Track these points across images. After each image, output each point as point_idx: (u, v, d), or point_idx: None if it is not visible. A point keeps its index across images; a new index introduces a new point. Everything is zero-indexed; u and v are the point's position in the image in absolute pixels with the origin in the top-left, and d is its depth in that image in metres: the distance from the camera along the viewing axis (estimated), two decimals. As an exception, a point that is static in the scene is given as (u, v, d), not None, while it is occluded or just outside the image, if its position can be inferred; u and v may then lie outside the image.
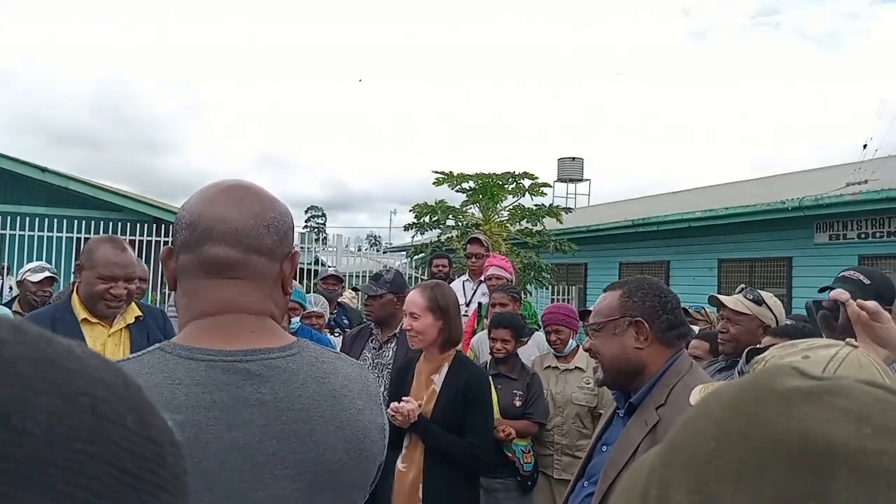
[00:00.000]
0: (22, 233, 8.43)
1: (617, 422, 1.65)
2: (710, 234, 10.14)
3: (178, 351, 0.87)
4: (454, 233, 9.51)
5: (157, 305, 5.39)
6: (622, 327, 1.59)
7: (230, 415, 0.84)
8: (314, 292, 4.99)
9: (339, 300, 5.34)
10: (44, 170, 10.18)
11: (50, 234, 8.50)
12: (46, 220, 8.57)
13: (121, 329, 2.36)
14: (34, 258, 7.31)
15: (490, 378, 3.29)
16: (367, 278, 8.09)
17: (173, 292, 0.98)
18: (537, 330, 4.16)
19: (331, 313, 4.69)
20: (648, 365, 1.57)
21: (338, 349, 3.27)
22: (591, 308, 1.94)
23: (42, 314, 2.33)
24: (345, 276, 8.05)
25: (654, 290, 1.62)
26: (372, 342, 3.30)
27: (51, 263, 4.95)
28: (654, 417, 1.48)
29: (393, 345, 3.12)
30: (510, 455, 3.23)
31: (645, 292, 1.61)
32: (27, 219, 8.47)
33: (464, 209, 9.62)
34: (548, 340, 3.52)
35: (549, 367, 3.46)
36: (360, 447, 0.93)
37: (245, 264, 0.92)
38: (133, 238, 8.48)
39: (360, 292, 6.06)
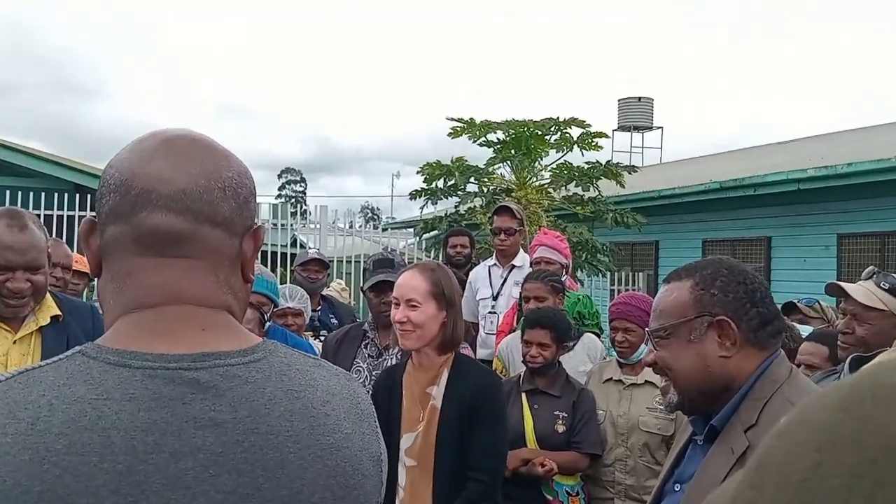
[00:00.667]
0: None
1: (694, 451, 1.66)
2: (827, 201, 10.05)
3: (106, 355, 0.88)
4: (477, 201, 9.52)
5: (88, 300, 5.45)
6: (700, 331, 1.58)
7: (176, 439, 0.85)
8: (291, 282, 5.04)
9: (324, 293, 5.38)
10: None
11: (-58, 208, 8.63)
12: (-63, 189, 8.70)
13: (31, 333, 2.38)
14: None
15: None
16: (362, 264, 8.14)
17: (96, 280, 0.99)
18: (598, 334, 4.15)
19: (314, 310, 4.74)
20: (737, 376, 1.57)
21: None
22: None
23: None
24: (332, 260, 8.11)
25: (737, 276, 1.61)
26: (367, 347, 3.31)
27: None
28: (742, 443, 1.48)
29: (397, 350, 3.13)
30: (551, 498, 3.25)
31: (725, 280, 1.60)
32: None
33: (490, 169, 9.61)
34: (612, 341, 3.52)
35: (609, 379, 3.45)
36: (349, 483, 0.94)
37: (194, 238, 0.92)
38: (50, 212, 8.59)
39: (355, 285, 6.10)
